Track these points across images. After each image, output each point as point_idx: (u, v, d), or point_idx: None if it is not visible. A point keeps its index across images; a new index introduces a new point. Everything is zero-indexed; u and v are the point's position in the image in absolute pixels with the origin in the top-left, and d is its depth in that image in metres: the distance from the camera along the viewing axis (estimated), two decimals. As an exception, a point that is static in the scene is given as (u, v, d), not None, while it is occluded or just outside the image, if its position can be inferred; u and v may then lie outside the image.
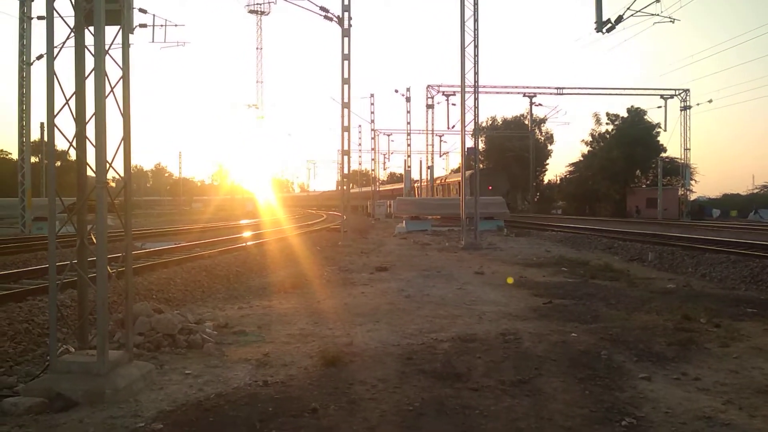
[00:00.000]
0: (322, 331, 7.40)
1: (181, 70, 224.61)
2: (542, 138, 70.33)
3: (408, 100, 49.83)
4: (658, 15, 21.19)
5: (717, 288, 11.50)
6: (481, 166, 56.28)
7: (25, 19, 25.24)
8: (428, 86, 48.47)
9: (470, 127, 23.47)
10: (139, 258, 13.57)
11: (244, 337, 7.10)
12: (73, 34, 5.15)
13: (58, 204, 5.16)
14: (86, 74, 5.15)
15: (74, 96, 5.19)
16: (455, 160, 67.27)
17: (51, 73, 4.99)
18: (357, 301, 9.75)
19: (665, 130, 49.21)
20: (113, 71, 5.10)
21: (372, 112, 49.82)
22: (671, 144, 61.03)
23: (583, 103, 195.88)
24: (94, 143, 4.96)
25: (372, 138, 54.92)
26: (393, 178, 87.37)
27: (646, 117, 54.23)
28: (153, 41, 26.23)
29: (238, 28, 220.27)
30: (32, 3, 25.21)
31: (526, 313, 8.55)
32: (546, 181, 71.96)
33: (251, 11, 61.63)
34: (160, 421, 4.31)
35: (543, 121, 66.53)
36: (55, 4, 5.01)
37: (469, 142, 24.98)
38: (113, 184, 5.45)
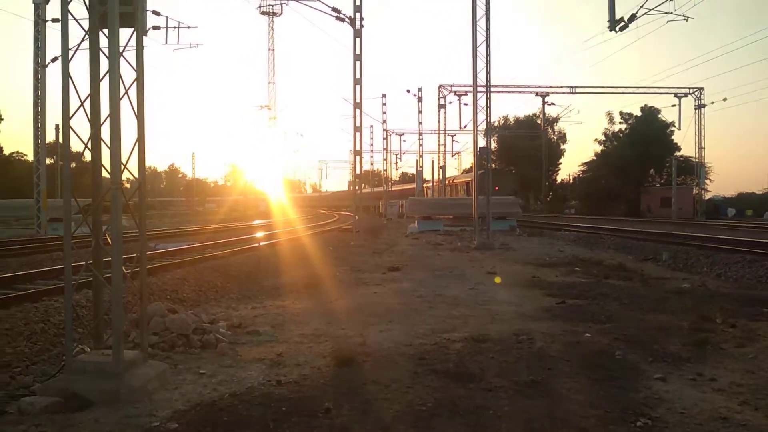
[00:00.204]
0: (335, 331, 7.41)
1: (194, 72, 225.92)
2: (555, 137, 70.09)
3: (420, 100, 49.90)
4: (671, 13, 21.04)
5: (732, 288, 11.37)
6: (493, 166, 56.30)
7: (40, 22, 25.56)
8: (440, 86, 48.53)
9: (482, 127, 23.47)
10: (153, 258, 13.68)
11: (258, 337, 7.12)
12: (87, 36, 5.18)
13: (73, 205, 5.20)
14: (101, 76, 5.19)
15: (89, 98, 5.23)
16: (467, 160, 67.14)
17: (66, 76, 5.03)
18: (370, 301, 9.75)
19: (679, 129, 48.75)
20: (127, 73, 5.15)
21: (384, 112, 50.06)
22: (685, 143, 60.30)
23: (596, 102, 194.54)
24: (108, 145, 4.99)
25: (384, 138, 55.11)
26: (405, 178, 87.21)
27: (659, 116, 53.76)
28: (166, 43, 26.48)
29: (251, 29, 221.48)
30: (47, 6, 25.57)
31: (539, 313, 8.50)
32: (559, 180, 71.74)
33: (263, 12, 61.72)
34: (175, 421, 4.34)
35: (556, 120, 66.36)
36: (70, 7, 5.06)
37: (482, 142, 24.99)
38: (128, 186, 5.48)
